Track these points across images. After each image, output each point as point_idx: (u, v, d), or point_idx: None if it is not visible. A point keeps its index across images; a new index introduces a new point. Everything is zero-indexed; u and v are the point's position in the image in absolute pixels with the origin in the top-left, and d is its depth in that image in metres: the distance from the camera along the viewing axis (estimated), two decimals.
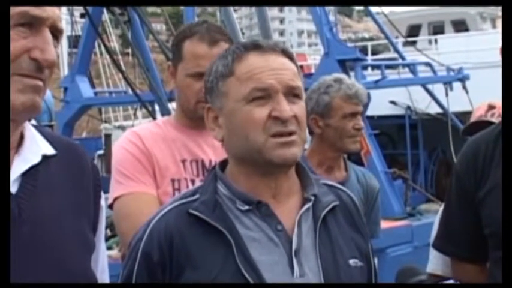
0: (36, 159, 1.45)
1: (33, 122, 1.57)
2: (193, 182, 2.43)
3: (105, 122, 17.41)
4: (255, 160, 1.66)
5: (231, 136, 1.70)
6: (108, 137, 14.18)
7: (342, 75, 3.32)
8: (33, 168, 1.44)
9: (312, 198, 1.73)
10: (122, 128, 13.83)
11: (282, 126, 1.64)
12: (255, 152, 1.65)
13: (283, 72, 1.68)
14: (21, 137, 1.46)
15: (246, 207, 1.67)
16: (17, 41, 1.35)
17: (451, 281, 1.99)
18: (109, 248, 6.19)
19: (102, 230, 1.66)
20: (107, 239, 6.47)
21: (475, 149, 2.23)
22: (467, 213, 2.23)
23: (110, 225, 6.14)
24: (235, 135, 1.68)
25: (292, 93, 1.68)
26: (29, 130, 1.49)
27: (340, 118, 3.09)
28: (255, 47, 1.71)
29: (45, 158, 1.47)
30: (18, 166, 1.42)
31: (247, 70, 1.67)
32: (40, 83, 1.39)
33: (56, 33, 1.42)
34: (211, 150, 2.49)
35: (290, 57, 1.73)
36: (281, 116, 1.63)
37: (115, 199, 2.41)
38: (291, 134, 1.65)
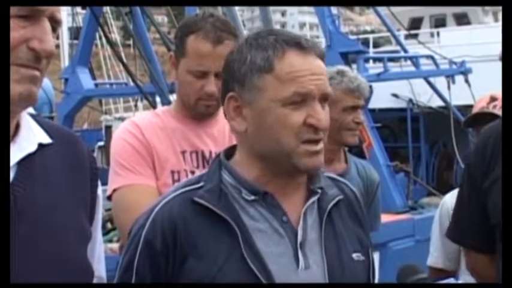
0: (32, 148, 1.44)
1: (32, 111, 1.55)
2: (193, 173, 2.40)
3: (106, 113, 17.42)
4: (280, 162, 1.64)
5: (259, 133, 1.65)
6: (108, 128, 14.17)
7: (345, 68, 3.30)
8: (29, 156, 1.43)
9: (319, 191, 1.71)
10: (123, 120, 13.79)
11: (314, 134, 1.62)
12: (283, 155, 1.63)
13: (322, 77, 1.64)
14: (17, 126, 1.45)
15: (252, 197, 1.65)
16: (16, 31, 1.33)
17: (451, 279, 1.98)
18: (110, 241, 6.18)
19: (98, 220, 1.64)
20: (108, 232, 6.47)
21: (485, 139, 2.22)
22: (476, 203, 2.22)
23: (111, 219, 6.14)
24: (265, 134, 1.64)
25: (324, 99, 1.65)
26: (25, 119, 1.48)
27: (340, 111, 3.07)
28: (296, 44, 1.64)
29: (41, 146, 1.46)
30: (14, 154, 1.40)
31: (289, 71, 1.61)
32: (37, 73, 1.37)
33: (54, 24, 1.40)
34: (212, 141, 2.47)
35: (322, 58, 1.68)
36: (318, 126, 1.61)
37: (114, 191, 2.39)
38: (318, 141, 1.63)
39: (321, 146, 1.64)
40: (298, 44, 1.64)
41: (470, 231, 2.29)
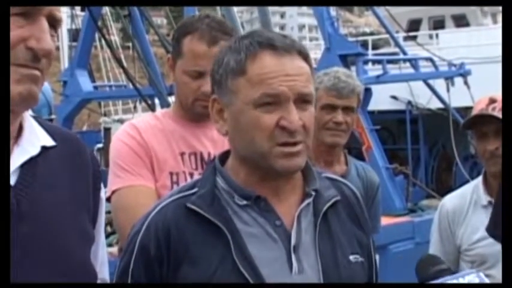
0: (35, 151, 1.43)
1: (31, 113, 1.54)
2: (191, 175, 2.41)
3: (105, 115, 17.40)
4: (258, 163, 1.64)
5: (236, 135, 1.66)
6: (107, 130, 14.17)
7: (337, 68, 3.27)
8: (32, 159, 1.42)
9: (313, 193, 1.70)
10: (122, 122, 13.81)
11: (288, 136, 1.60)
12: (258, 157, 1.62)
13: (297, 78, 1.61)
14: (21, 128, 1.44)
15: (244, 202, 1.65)
16: (13, 31, 1.32)
17: (470, 271, 1.95)
18: (109, 245, 6.17)
19: (101, 223, 1.65)
20: (107, 235, 6.46)
21: None
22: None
23: (110, 222, 6.12)
24: (241, 135, 1.65)
25: (302, 100, 1.63)
26: (28, 121, 1.47)
27: (319, 109, 3.06)
28: (270, 46, 1.62)
29: (44, 149, 1.46)
30: (17, 157, 1.40)
31: (259, 72, 1.60)
32: (37, 73, 1.36)
33: (54, 22, 1.39)
34: (210, 143, 2.47)
35: (305, 57, 1.66)
36: (289, 127, 1.59)
37: (113, 192, 2.40)
38: (296, 143, 1.61)
39: (299, 147, 1.61)
40: (272, 45, 1.62)
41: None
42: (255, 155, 1.62)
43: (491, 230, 2.41)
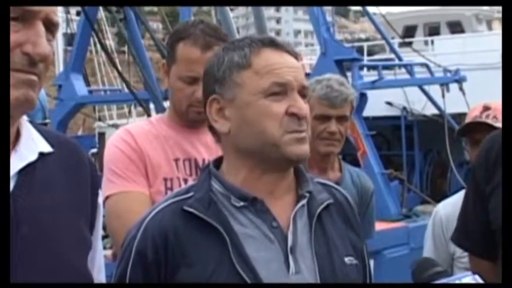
0: (33, 157, 1.42)
1: (26, 118, 1.53)
2: (186, 181, 2.40)
3: (100, 120, 17.39)
4: (267, 154, 1.65)
5: (243, 128, 1.68)
6: (102, 135, 14.14)
7: (332, 76, 3.26)
8: (29, 165, 1.41)
9: (307, 195, 1.72)
10: (116, 127, 13.80)
11: (297, 125, 1.65)
12: (269, 146, 1.64)
13: (298, 71, 1.70)
14: (18, 134, 1.43)
15: (241, 204, 1.66)
16: (10, 35, 1.31)
17: (469, 274, 1.95)
18: (103, 247, 6.16)
19: (99, 228, 1.64)
20: (101, 239, 6.45)
21: (490, 143, 2.20)
22: (479, 207, 2.20)
23: (104, 226, 6.10)
24: (249, 127, 1.66)
25: (302, 93, 1.69)
26: (26, 127, 1.46)
27: (313, 119, 3.04)
28: (271, 43, 1.71)
29: (42, 155, 1.45)
30: (15, 163, 1.39)
31: (265, 64, 1.67)
32: (34, 78, 1.35)
33: (50, 26, 1.38)
34: (205, 149, 2.47)
35: (297, 58, 1.75)
36: (299, 114, 1.65)
37: (106, 198, 2.38)
38: (302, 131, 1.66)
39: (305, 134, 1.67)
40: (273, 42, 1.72)
41: (473, 236, 2.27)
42: (265, 145, 1.65)
43: (456, 240, 2.40)
